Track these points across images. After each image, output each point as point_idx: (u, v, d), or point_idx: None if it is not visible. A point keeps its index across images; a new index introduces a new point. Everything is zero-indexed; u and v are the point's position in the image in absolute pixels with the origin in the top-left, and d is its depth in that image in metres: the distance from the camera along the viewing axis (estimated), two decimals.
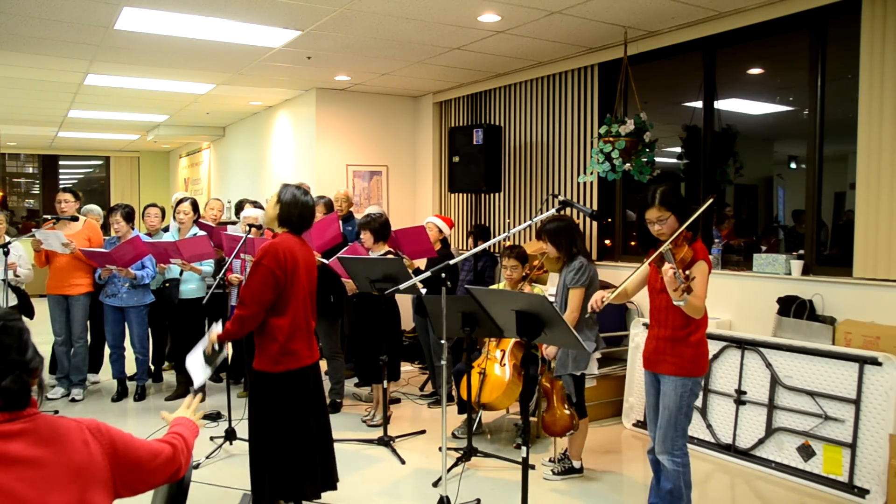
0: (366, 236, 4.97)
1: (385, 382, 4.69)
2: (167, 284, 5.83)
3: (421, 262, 5.70)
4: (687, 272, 2.95)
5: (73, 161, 15.49)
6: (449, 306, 3.61)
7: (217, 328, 3.36)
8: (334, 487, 3.54)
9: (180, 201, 5.85)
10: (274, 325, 3.29)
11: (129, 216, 5.72)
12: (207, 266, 5.56)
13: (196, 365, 3.33)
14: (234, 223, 6.44)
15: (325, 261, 5.09)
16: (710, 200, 3.13)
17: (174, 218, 5.91)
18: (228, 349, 3.28)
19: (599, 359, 4.29)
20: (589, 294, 4.04)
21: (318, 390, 3.49)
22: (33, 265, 5.79)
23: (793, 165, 5.65)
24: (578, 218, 6.04)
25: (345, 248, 5.25)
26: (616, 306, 5.49)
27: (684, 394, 3.17)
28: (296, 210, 3.40)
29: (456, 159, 6.67)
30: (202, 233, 5.68)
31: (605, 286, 5.61)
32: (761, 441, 4.33)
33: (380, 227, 4.95)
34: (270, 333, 3.29)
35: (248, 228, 4.78)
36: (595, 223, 6.04)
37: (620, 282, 3.33)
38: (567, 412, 4.00)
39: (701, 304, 3.04)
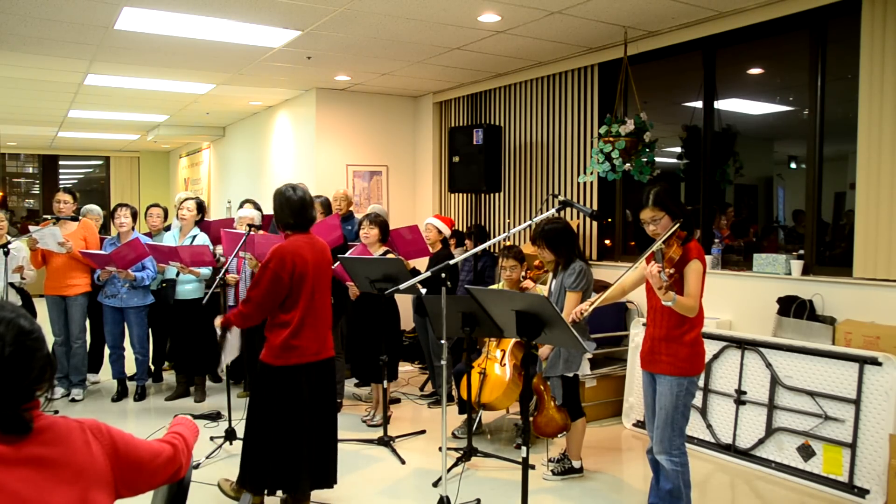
0: (373, 232, 4.97)
1: (385, 382, 4.70)
2: (164, 285, 5.83)
3: (421, 263, 5.70)
4: (671, 270, 2.96)
5: (73, 161, 15.49)
6: (449, 306, 3.61)
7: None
8: (329, 486, 3.59)
9: (185, 199, 5.86)
10: (281, 320, 3.41)
11: (135, 215, 5.82)
12: (206, 269, 5.56)
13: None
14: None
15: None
16: (676, 227, 3.08)
17: (177, 216, 5.92)
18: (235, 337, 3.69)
19: (591, 359, 4.29)
20: (584, 298, 4.04)
21: (322, 387, 3.52)
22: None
23: (793, 165, 5.65)
24: (578, 218, 6.05)
25: (352, 249, 5.25)
26: (615, 306, 5.49)
27: (680, 393, 3.17)
28: (286, 211, 3.47)
29: (456, 159, 6.68)
30: (202, 234, 5.69)
31: (605, 286, 5.64)
32: (761, 441, 4.33)
33: (386, 226, 5.05)
34: (277, 328, 3.41)
35: (248, 228, 4.78)
36: (595, 223, 6.04)
37: (617, 282, 3.34)
38: (558, 413, 3.99)
39: (693, 304, 3.05)
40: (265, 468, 3.43)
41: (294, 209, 3.47)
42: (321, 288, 3.51)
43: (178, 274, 5.60)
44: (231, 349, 3.80)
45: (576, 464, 4.21)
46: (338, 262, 4.96)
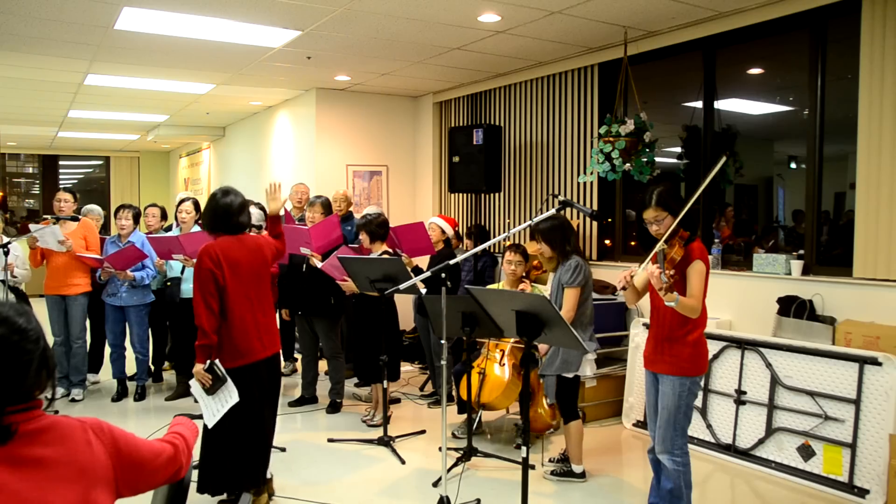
0: (363, 237, 4.99)
1: (385, 382, 4.70)
2: (168, 283, 5.83)
3: (423, 261, 5.70)
4: (672, 271, 2.96)
5: (73, 161, 15.47)
6: (449, 306, 3.61)
7: (194, 383, 3.48)
8: (264, 483, 3.69)
9: (182, 201, 5.86)
10: (225, 323, 3.48)
11: (137, 217, 5.83)
12: None
13: (208, 405, 3.45)
14: None
15: (318, 264, 5.10)
16: (724, 159, 3.14)
17: (176, 218, 5.92)
18: (218, 364, 3.48)
19: (596, 359, 4.26)
20: (584, 294, 4.04)
21: (272, 383, 3.65)
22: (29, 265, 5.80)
23: (793, 165, 5.65)
24: (578, 218, 6.04)
25: (337, 250, 5.24)
26: (616, 306, 5.49)
27: (682, 393, 3.17)
28: (210, 215, 3.60)
29: (456, 159, 6.67)
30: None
31: (604, 286, 5.64)
32: (761, 441, 4.33)
33: (376, 227, 4.98)
34: (219, 335, 3.47)
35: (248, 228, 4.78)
36: (595, 223, 6.04)
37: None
38: (547, 411, 3.99)
39: (695, 304, 3.05)
40: (257, 465, 3.52)
41: (218, 215, 3.59)
42: (261, 285, 3.62)
43: (182, 271, 5.60)
44: (224, 394, 3.44)
45: (577, 468, 4.14)
46: (325, 262, 4.99)
